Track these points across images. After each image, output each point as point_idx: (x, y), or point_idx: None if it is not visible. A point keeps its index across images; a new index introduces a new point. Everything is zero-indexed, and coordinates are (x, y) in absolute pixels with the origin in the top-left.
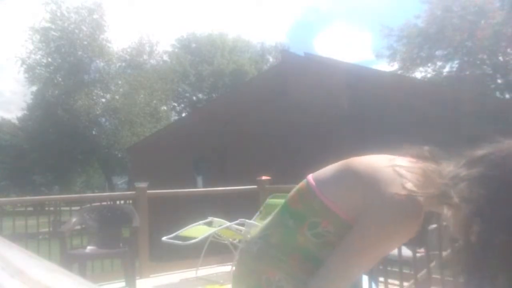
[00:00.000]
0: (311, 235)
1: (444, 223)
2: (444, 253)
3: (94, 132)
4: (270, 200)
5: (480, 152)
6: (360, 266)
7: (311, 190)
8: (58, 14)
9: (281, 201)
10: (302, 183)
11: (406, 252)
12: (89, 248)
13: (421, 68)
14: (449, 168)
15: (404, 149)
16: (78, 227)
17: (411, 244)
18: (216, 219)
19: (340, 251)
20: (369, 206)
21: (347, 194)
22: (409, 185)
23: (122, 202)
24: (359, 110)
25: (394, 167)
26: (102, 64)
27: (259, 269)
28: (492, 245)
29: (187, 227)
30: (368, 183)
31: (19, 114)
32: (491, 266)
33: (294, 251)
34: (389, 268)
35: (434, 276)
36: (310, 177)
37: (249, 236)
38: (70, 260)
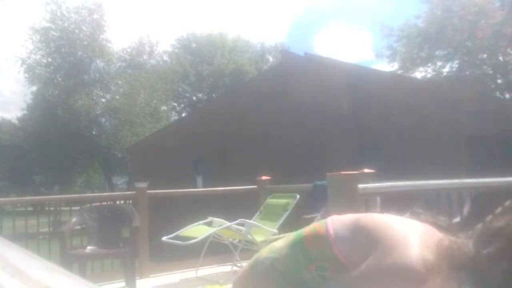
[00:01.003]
0: (318, 275)
1: None
2: None
3: (94, 132)
4: (270, 200)
5: (496, 224)
6: None
7: (328, 240)
8: (58, 14)
9: (281, 201)
10: (320, 227)
11: None
12: (89, 248)
13: (421, 68)
14: (467, 242)
15: (421, 216)
16: (78, 227)
17: None
18: (216, 219)
19: None
20: (372, 260)
21: (360, 253)
22: (416, 253)
23: (122, 202)
24: (359, 110)
25: (409, 231)
26: (102, 64)
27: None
28: None
29: (187, 227)
30: (378, 242)
31: (19, 114)
32: None
33: (297, 283)
34: None
35: None
36: (330, 225)
37: (249, 236)
38: (70, 260)
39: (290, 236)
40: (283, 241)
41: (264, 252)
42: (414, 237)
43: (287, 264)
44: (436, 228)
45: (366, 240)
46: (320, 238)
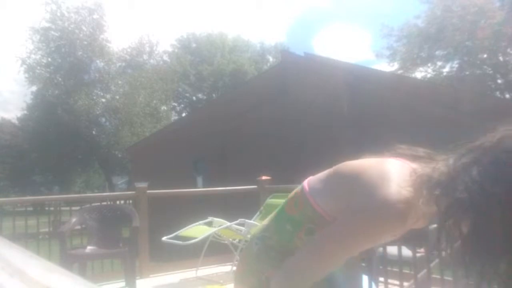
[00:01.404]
0: (308, 240)
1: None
2: (444, 253)
3: (94, 132)
4: (270, 200)
5: (474, 143)
6: (329, 258)
7: (305, 197)
8: (58, 14)
9: (281, 201)
10: (298, 189)
11: (406, 252)
12: (89, 248)
13: (421, 68)
14: (447, 160)
15: (397, 150)
16: (78, 227)
17: (411, 244)
18: (216, 219)
19: (315, 241)
20: (351, 206)
21: (336, 201)
22: (393, 190)
23: (122, 202)
24: (359, 110)
25: (383, 170)
26: (102, 64)
27: (259, 269)
28: (490, 230)
29: (187, 227)
30: (354, 187)
31: (19, 114)
32: (489, 253)
33: (292, 254)
34: (389, 268)
35: (434, 276)
36: (306, 183)
37: (249, 235)
38: (70, 260)
39: (275, 211)
40: (269, 218)
41: (255, 233)
42: (389, 177)
43: (278, 238)
44: (413, 159)
45: (342, 189)
46: (298, 199)
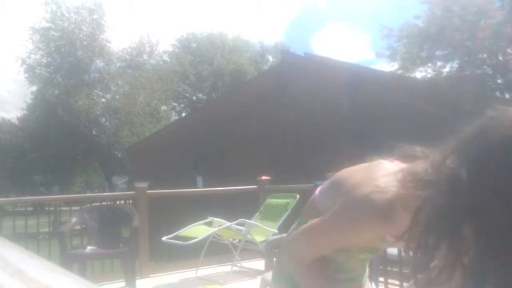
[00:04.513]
0: None
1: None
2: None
3: (94, 132)
4: (270, 200)
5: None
6: (311, 244)
7: (314, 200)
8: (58, 14)
9: (281, 201)
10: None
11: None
12: (89, 248)
13: (421, 68)
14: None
15: (396, 151)
16: (78, 227)
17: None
18: (216, 219)
19: (303, 228)
20: (335, 206)
21: (330, 204)
22: (371, 189)
23: (122, 202)
24: (359, 110)
25: (367, 172)
26: (102, 64)
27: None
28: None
29: (187, 227)
30: (341, 190)
31: (18, 114)
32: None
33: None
34: (389, 268)
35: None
36: (319, 187)
37: (249, 236)
38: (70, 260)
39: (298, 219)
40: (294, 226)
41: (286, 239)
42: (371, 177)
43: None
44: (411, 159)
45: (334, 192)
46: (310, 203)
